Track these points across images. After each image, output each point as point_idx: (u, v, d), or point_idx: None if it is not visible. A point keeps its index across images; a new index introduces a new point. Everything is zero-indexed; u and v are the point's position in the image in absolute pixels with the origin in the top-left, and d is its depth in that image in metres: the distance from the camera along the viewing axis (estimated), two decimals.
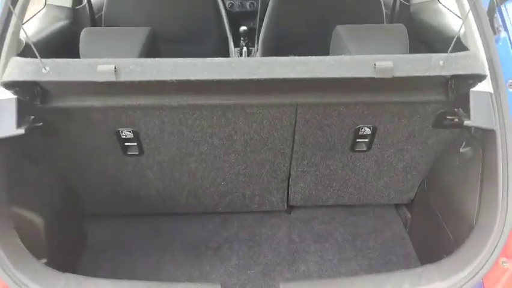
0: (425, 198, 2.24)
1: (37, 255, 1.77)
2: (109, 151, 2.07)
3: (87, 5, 2.95)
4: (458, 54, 1.59)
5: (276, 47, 3.05)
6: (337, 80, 1.66)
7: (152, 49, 2.02)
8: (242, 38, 3.78)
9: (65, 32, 2.66)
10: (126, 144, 2.04)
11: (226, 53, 3.27)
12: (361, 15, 2.90)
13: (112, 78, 1.52)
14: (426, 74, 1.56)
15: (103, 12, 2.90)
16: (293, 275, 2.20)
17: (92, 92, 1.77)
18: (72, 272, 1.64)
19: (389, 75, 1.56)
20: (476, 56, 1.62)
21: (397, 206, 2.57)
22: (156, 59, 1.59)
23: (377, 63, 1.55)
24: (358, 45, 1.85)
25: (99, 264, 2.25)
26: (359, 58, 1.58)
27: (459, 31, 1.58)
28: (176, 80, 1.55)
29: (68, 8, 2.83)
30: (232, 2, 4.16)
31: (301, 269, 2.23)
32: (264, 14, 3.09)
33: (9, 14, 1.65)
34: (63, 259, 2.09)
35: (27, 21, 2.56)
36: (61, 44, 2.16)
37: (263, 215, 2.51)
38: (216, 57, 3.06)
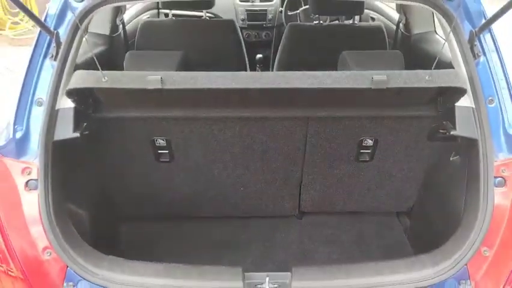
0: (421, 205, 2.51)
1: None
2: (143, 158, 2.39)
3: (122, 32, 3.33)
4: (442, 70, 1.91)
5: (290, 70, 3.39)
6: (342, 95, 1.98)
7: (185, 68, 2.36)
8: (258, 65, 4.14)
9: (103, 55, 3.02)
10: (159, 151, 2.36)
11: None
12: (367, 45, 3.24)
13: (159, 86, 1.85)
14: (415, 85, 1.88)
15: (135, 39, 3.27)
16: None
17: (135, 105, 2.10)
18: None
19: (383, 86, 1.87)
20: (457, 73, 1.94)
21: (398, 214, 2.84)
22: (193, 72, 1.93)
23: (374, 77, 1.88)
24: (360, 66, 2.17)
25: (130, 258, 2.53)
26: (359, 73, 1.92)
27: (441, 49, 1.91)
28: (209, 88, 1.87)
29: (106, 35, 3.20)
30: (249, 32, 4.53)
31: None
32: (278, 43, 3.44)
33: (73, 35, 1.99)
34: (105, 240, 2.37)
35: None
36: (100, 65, 2.51)
37: (277, 220, 2.79)
38: None
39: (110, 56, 3.21)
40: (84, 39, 3.25)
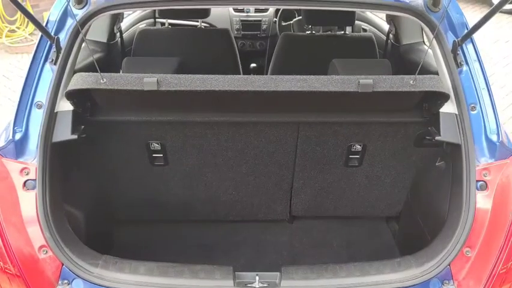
0: (409, 209, 2.59)
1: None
2: (138, 161, 2.45)
3: (119, 40, 3.41)
4: (426, 76, 2.00)
5: None
6: (332, 100, 2.06)
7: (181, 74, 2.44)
8: (252, 74, 4.23)
9: (101, 62, 3.10)
10: (154, 155, 2.42)
11: None
12: (358, 54, 3.33)
13: (155, 87, 1.93)
14: (400, 89, 1.97)
15: (132, 47, 3.35)
16: None
17: (131, 108, 2.17)
18: None
19: (369, 90, 1.96)
20: (440, 79, 2.03)
21: (387, 219, 2.91)
22: (188, 75, 2.01)
23: (360, 81, 1.96)
24: (348, 73, 2.25)
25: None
26: (347, 77, 2.01)
27: (425, 57, 1.99)
28: (203, 91, 1.95)
29: (104, 43, 3.28)
30: (243, 42, 4.62)
31: None
32: (272, 52, 3.53)
33: (73, 41, 2.06)
34: (100, 238, 2.42)
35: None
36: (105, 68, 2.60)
37: (268, 223, 2.85)
38: None
39: (108, 62, 3.28)
40: (84, 45, 3.35)
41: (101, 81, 1.93)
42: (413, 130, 2.31)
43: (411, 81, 1.95)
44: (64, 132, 2.00)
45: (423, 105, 2.16)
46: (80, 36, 2.05)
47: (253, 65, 4.26)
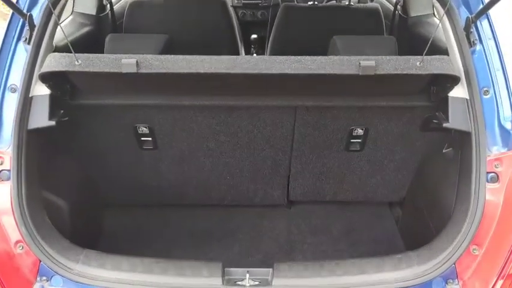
0: (413, 196, 2.44)
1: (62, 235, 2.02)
2: (126, 145, 2.31)
3: (110, 12, 3.21)
4: (434, 56, 1.81)
5: (283, 54, 3.28)
6: (331, 83, 1.89)
7: (169, 53, 2.27)
8: (252, 46, 4.02)
9: (90, 36, 2.92)
10: (142, 139, 2.28)
11: None
12: (363, 27, 3.12)
13: (133, 70, 1.75)
14: (405, 72, 1.77)
15: (123, 20, 3.16)
16: None
17: (114, 91, 2.01)
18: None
19: (371, 73, 1.77)
20: (450, 60, 1.83)
21: (390, 204, 2.77)
22: (171, 55, 1.83)
23: (361, 62, 1.77)
24: (350, 52, 2.07)
25: (112, 250, 2.47)
26: (346, 58, 1.81)
27: (434, 32, 1.77)
28: (188, 73, 1.78)
29: (93, 16, 3.09)
30: (244, 11, 4.39)
31: (298, 258, 2.43)
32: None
33: (48, 18, 1.89)
34: (81, 242, 2.32)
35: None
36: (86, 47, 2.40)
37: (265, 209, 2.72)
38: None
39: (98, 36, 3.10)
40: (71, 18, 3.16)
41: (76, 62, 1.76)
42: (419, 113, 2.13)
43: (417, 63, 1.76)
44: (40, 118, 1.85)
45: (431, 88, 1.98)
46: (54, 16, 1.87)
47: (254, 36, 4.04)
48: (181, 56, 1.79)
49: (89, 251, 1.84)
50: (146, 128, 2.21)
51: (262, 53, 3.86)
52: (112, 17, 3.23)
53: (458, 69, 1.85)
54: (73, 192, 2.25)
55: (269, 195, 2.62)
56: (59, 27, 1.97)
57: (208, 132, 2.24)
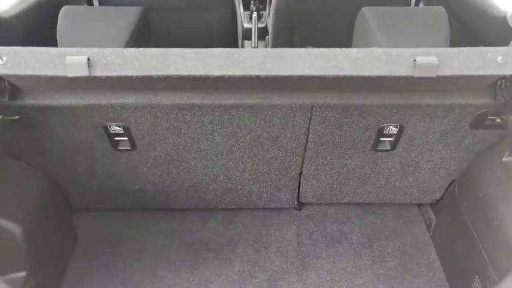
0: (454, 204, 1.98)
1: (15, 269, 1.58)
2: (97, 146, 1.83)
3: None
4: None
5: (290, 15, 2.70)
6: (360, 78, 1.38)
7: (143, 36, 1.73)
8: (252, 2, 3.42)
9: (49, 3, 2.35)
10: (116, 139, 1.80)
11: (232, 21, 2.94)
12: None
13: (85, 73, 1.25)
14: (481, 73, 1.27)
15: None
16: (303, 285, 1.99)
17: (69, 88, 1.50)
18: (62, 272, 1.40)
19: (432, 74, 1.27)
20: None
21: (420, 206, 2.32)
22: (140, 49, 1.31)
23: (417, 59, 1.26)
24: (387, 34, 1.54)
25: (90, 264, 2.05)
26: (394, 52, 1.29)
27: None
28: (164, 76, 1.27)
29: None
30: None
31: (312, 278, 2.01)
32: None
33: None
34: (50, 262, 1.89)
35: None
36: (47, 16, 1.87)
37: (271, 212, 2.28)
38: (222, 25, 2.70)
39: (60, 3, 2.54)
40: None
41: (0, 61, 1.24)
42: (472, 110, 1.64)
43: (499, 58, 1.25)
44: None
45: (498, 82, 1.47)
46: None
47: None
48: (153, 51, 1.27)
49: None
50: (119, 127, 1.72)
51: (264, 8, 3.28)
52: None
53: None
54: (31, 204, 1.79)
55: (275, 197, 2.17)
56: None
57: (199, 132, 1.75)
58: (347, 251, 2.12)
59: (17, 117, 1.60)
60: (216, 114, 1.66)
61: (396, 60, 1.26)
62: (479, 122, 1.69)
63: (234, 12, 2.94)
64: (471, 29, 2.27)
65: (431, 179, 2.04)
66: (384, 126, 1.74)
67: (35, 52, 1.27)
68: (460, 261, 1.89)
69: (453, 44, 1.81)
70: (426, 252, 2.12)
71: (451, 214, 2.01)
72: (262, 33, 3.25)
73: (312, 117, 1.68)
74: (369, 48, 1.30)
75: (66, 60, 1.24)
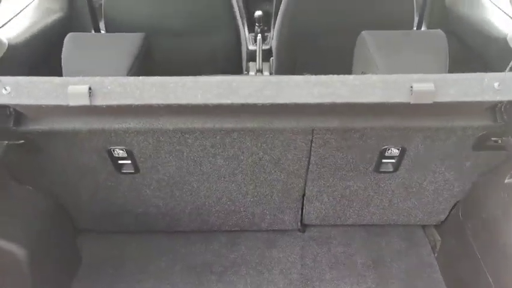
0: (459, 226, 1.96)
1: None
2: (101, 169, 1.85)
3: None
4: None
5: (292, 38, 2.75)
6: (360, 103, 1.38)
7: (146, 60, 1.76)
8: (257, 24, 3.47)
9: (59, 26, 2.40)
10: (120, 162, 1.81)
11: (237, 43, 2.98)
12: (387, 5, 2.57)
13: (86, 102, 1.29)
14: (478, 99, 1.29)
15: (102, 2, 2.62)
16: None
17: (72, 113, 1.52)
18: None
19: (429, 101, 1.29)
20: None
21: (424, 227, 2.30)
22: (140, 77, 1.33)
23: (414, 85, 1.27)
24: (386, 57, 1.55)
25: (94, 286, 2.06)
26: (391, 78, 1.30)
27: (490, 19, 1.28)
28: (163, 105, 1.30)
29: None
30: None
31: None
32: None
33: None
34: (53, 285, 1.90)
35: (14, 16, 2.30)
36: (54, 42, 1.92)
37: (274, 234, 2.27)
38: (226, 47, 2.73)
39: (71, 24, 2.59)
40: (35, 3, 2.63)
41: (3, 91, 1.27)
42: (473, 131, 1.64)
43: (495, 84, 1.26)
44: None
45: (498, 105, 1.48)
46: None
47: (258, 13, 3.49)
48: (152, 79, 1.30)
49: None
50: (123, 150, 1.74)
51: (268, 30, 3.33)
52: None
53: None
54: (35, 226, 1.81)
55: (279, 219, 2.17)
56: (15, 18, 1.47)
57: (201, 155, 1.76)
58: (351, 273, 2.11)
59: (21, 141, 1.62)
60: (218, 137, 1.68)
61: (393, 87, 1.28)
62: (481, 144, 1.69)
63: (238, 34, 2.98)
64: (473, 50, 2.28)
65: (434, 200, 2.03)
66: (386, 148, 1.75)
67: (37, 82, 1.31)
68: (465, 283, 1.87)
69: (455, 66, 1.82)
70: (431, 274, 2.10)
71: (456, 236, 2.00)
72: (267, 54, 3.28)
73: (313, 139, 1.69)
74: (366, 75, 1.32)
75: (68, 89, 1.27)
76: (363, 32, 1.70)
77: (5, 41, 1.97)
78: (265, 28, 3.42)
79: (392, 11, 2.35)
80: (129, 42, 1.79)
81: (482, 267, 1.71)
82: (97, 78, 1.29)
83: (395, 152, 1.77)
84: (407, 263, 2.15)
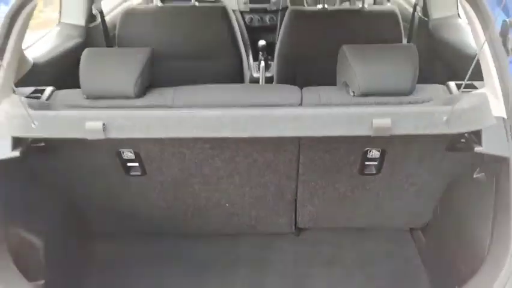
0: (439, 224, 2.13)
1: (35, 277, 1.77)
2: (111, 171, 2.05)
3: (101, 23, 2.96)
4: (464, 107, 1.55)
5: (291, 63, 3.00)
6: None
7: (152, 67, 2.01)
8: (261, 52, 3.74)
9: (78, 50, 2.67)
10: (128, 164, 2.02)
11: (239, 69, 3.23)
12: (378, 31, 2.81)
13: (101, 136, 1.58)
14: (427, 132, 1.56)
15: (116, 31, 2.91)
16: None
17: None
18: None
19: (386, 134, 1.57)
20: (486, 105, 1.57)
21: (412, 230, 2.46)
22: (145, 112, 1.66)
23: (374, 121, 1.55)
24: (363, 65, 1.77)
25: (100, 285, 2.23)
26: (356, 114, 1.59)
27: (473, 62, 1.49)
28: (166, 138, 1.68)
29: (82, 26, 2.85)
30: (251, 16, 4.15)
31: None
32: None
33: (8, 31, 1.65)
34: (64, 279, 2.08)
35: (39, 39, 2.59)
36: (72, 63, 2.17)
37: (271, 237, 2.44)
38: (229, 74, 3.00)
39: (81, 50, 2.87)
40: (58, 29, 2.92)
41: (32, 125, 1.57)
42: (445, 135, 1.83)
43: (444, 118, 1.52)
44: (1, 150, 1.61)
45: None
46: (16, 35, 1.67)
47: (262, 42, 3.77)
48: (156, 113, 1.63)
49: None
50: (131, 152, 1.96)
51: (272, 59, 3.60)
52: (103, 28, 2.98)
53: (493, 85, 1.55)
54: (51, 225, 2.01)
55: (274, 222, 2.34)
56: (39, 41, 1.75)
57: (201, 157, 1.97)
58: (341, 272, 2.26)
59: (42, 144, 1.84)
60: (216, 140, 1.88)
61: (356, 122, 1.56)
62: (453, 145, 1.87)
63: (240, 62, 3.24)
64: (450, 66, 2.50)
65: (417, 202, 2.19)
66: (368, 150, 1.94)
67: (59, 117, 1.62)
68: (444, 275, 2.01)
69: (435, 80, 2.03)
70: (416, 274, 2.25)
71: (437, 235, 2.16)
72: (270, 81, 3.54)
73: (301, 142, 1.89)
74: (333, 109, 1.63)
75: (85, 126, 1.56)
76: (343, 46, 1.92)
77: (31, 59, 2.24)
78: (269, 57, 3.70)
79: (382, 36, 2.59)
80: (138, 55, 2.03)
81: (456, 256, 1.86)
82: (110, 112, 1.61)
83: (376, 154, 1.95)
84: (394, 263, 2.30)
